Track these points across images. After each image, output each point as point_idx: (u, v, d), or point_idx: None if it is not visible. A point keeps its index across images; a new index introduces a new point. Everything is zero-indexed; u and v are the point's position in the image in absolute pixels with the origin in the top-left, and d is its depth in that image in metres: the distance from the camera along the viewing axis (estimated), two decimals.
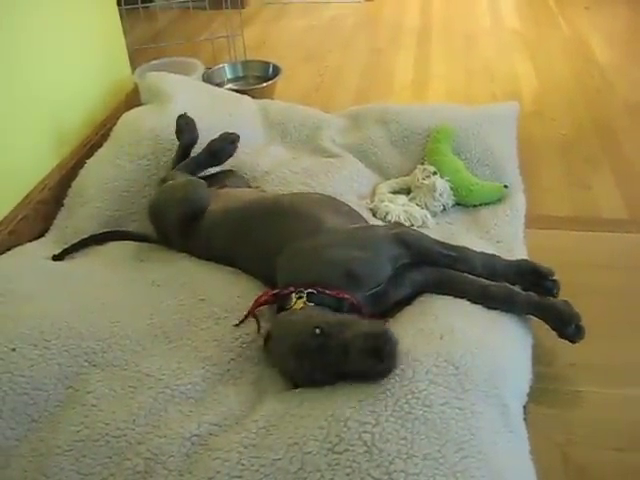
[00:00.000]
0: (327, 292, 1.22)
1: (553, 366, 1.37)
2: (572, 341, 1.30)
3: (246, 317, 1.30)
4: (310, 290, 1.22)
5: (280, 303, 1.26)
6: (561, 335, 1.31)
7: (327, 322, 1.12)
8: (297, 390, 1.14)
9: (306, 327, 1.11)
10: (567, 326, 1.29)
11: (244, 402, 1.15)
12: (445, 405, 1.05)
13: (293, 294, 1.23)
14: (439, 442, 1.00)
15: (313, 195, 1.59)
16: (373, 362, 1.07)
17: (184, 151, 1.77)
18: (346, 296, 1.22)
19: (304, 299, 1.21)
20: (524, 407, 1.18)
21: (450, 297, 1.32)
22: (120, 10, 2.33)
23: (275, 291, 1.27)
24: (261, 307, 1.30)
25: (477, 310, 1.30)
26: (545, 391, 1.28)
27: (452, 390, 1.07)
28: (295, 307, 1.21)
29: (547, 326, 1.31)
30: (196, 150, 1.78)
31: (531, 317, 1.34)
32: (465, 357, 1.13)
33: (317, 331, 1.09)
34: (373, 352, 1.06)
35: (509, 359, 1.20)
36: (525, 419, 1.15)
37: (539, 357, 1.29)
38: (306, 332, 1.10)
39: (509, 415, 1.10)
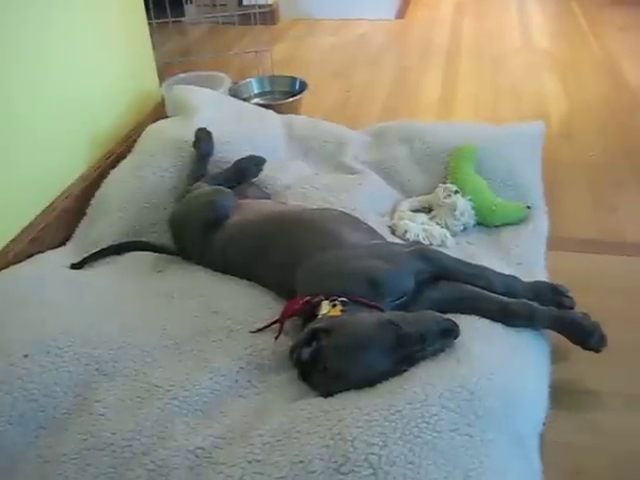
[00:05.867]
0: (360, 300, 1.24)
1: (569, 392, 1.33)
2: (597, 350, 1.31)
3: (272, 324, 1.30)
4: (343, 299, 1.23)
5: (309, 312, 1.26)
6: (585, 347, 1.31)
7: (394, 316, 1.17)
8: (305, 404, 1.12)
9: (379, 322, 1.15)
10: (590, 337, 1.30)
11: (250, 414, 1.14)
12: (455, 431, 1.03)
13: (325, 302, 1.24)
14: (447, 468, 0.98)
15: (333, 211, 1.59)
16: (448, 340, 1.18)
17: (200, 162, 1.80)
18: (378, 306, 1.24)
19: (340, 306, 1.22)
20: (540, 436, 1.15)
21: (470, 318, 1.31)
22: (150, 24, 2.36)
23: (306, 299, 1.27)
24: (292, 316, 1.29)
25: (497, 334, 1.28)
26: (557, 417, 1.24)
27: (464, 416, 1.05)
28: (332, 313, 1.21)
29: (560, 350, 1.30)
30: (213, 162, 1.82)
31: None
32: (480, 383, 1.10)
33: (392, 325, 1.14)
34: (447, 332, 1.18)
35: (526, 387, 1.17)
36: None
37: (555, 382, 1.26)
38: (381, 326, 1.14)
39: (522, 444, 1.08)
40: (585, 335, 1.31)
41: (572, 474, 1.18)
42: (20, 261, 1.60)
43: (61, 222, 1.77)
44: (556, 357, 1.33)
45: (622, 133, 2.43)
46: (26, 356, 1.21)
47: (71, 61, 1.87)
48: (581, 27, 3.50)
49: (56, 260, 1.63)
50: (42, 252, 1.67)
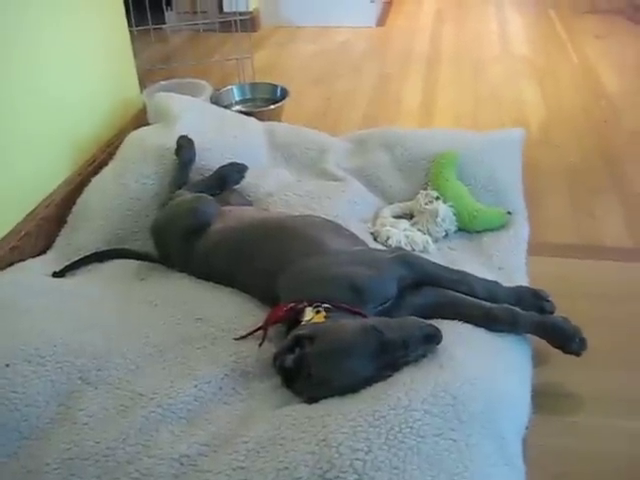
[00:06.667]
0: (343, 306, 1.24)
1: (550, 396, 1.35)
2: (577, 354, 1.33)
3: (255, 331, 1.30)
4: (327, 305, 1.24)
5: (293, 318, 1.26)
6: (566, 351, 1.33)
7: (377, 323, 1.17)
8: (289, 410, 1.12)
9: (363, 328, 1.15)
10: (571, 341, 1.32)
11: (235, 422, 1.13)
12: (439, 436, 1.04)
13: (308, 308, 1.24)
14: (431, 473, 0.99)
15: (315, 218, 1.60)
16: (431, 346, 1.18)
17: (182, 169, 1.80)
18: (361, 312, 1.25)
19: (323, 313, 1.22)
20: (523, 440, 1.16)
21: (452, 323, 1.32)
22: (131, 31, 2.36)
23: (290, 305, 1.27)
24: (276, 323, 1.29)
25: (479, 339, 1.29)
26: (539, 421, 1.25)
27: (448, 421, 1.06)
28: (316, 320, 1.22)
29: (540, 354, 1.31)
30: (195, 170, 1.82)
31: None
32: (464, 387, 1.11)
33: (375, 331, 1.14)
34: (430, 338, 1.18)
35: (509, 391, 1.18)
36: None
37: (536, 386, 1.27)
38: (365, 332, 1.14)
39: (506, 448, 1.08)
40: (566, 339, 1.32)
41: (556, 477, 1.20)
42: (0, 270, 1.58)
43: (42, 230, 1.75)
44: (537, 361, 1.35)
45: (599, 139, 2.46)
46: (8, 365, 1.19)
47: (51, 66, 1.85)
48: (559, 34, 3.55)
49: (37, 268, 1.62)
50: (23, 260, 1.65)
